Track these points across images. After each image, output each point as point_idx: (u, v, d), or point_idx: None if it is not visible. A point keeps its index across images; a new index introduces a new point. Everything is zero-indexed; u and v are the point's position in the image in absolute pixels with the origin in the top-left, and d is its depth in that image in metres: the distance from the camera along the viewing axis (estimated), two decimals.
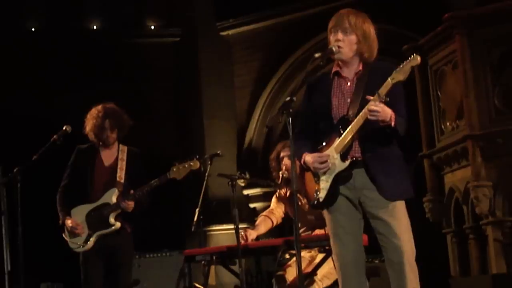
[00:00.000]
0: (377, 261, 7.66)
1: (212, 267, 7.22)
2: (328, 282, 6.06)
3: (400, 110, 4.41)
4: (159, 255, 9.45)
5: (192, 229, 7.05)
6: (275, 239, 6.40)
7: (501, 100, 8.14)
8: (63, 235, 6.22)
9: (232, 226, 6.29)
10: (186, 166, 6.14)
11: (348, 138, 4.40)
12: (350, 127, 4.38)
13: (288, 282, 6.20)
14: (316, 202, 4.55)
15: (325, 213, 4.60)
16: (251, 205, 12.33)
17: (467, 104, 8.21)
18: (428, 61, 8.92)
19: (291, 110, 4.40)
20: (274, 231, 7.15)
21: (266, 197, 11.75)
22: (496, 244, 8.09)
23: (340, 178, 4.45)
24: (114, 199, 6.13)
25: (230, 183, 6.37)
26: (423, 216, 8.97)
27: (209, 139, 12.43)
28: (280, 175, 6.44)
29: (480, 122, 8.15)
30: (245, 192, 12.19)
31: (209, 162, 7.04)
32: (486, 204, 8.08)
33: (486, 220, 8.21)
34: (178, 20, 12.95)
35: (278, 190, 6.67)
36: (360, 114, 4.33)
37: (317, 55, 4.51)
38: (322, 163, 4.45)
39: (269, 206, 6.82)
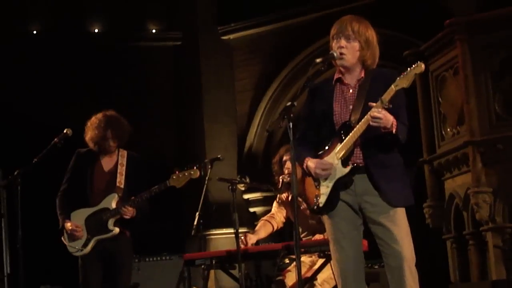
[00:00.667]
0: (376, 267, 7.64)
1: (212, 271, 7.23)
2: (328, 287, 6.06)
3: (402, 116, 4.42)
4: (158, 259, 9.44)
5: (192, 233, 7.05)
6: (275, 244, 6.39)
7: (501, 106, 8.14)
8: (62, 239, 6.21)
9: (232, 230, 6.29)
10: (186, 174, 6.14)
11: (350, 144, 4.40)
12: (352, 133, 4.39)
13: (287, 287, 6.20)
14: (316, 207, 4.55)
15: (325, 218, 4.60)
16: (251, 210, 12.32)
17: (467, 109, 8.21)
18: (429, 67, 8.92)
19: (291, 115, 4.40)
20: (274, 236, 7.14)
21: (266, 202, 11.74)
22: (496, 251, 8.09)
23: (341, 184, 4.46)
24: (113, 204, 6.12)
25: (230, 187, 6.38)
26: (423, 222, 8.97)
27: (209, 143, 12.42)
28: (280, 180, 6.45)
29: (480, 128, 8.15)
30: (245, 196, 12.18)
31: (209, 166, 7.04)
32: (486, 210, 8.08)
33: (486, 226, 8.21)
34: (179, 24, 12.95)
35: (278, 195, 6.67)
36: (363, 120, 4.34)
37: (318, 60, 4.51)
38: (324, 169, 4.46)
39: (269, 210, 6.83)
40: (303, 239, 6.33)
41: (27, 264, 5.91)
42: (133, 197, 6.07)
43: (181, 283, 7.71)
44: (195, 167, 6.17)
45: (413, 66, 4.27)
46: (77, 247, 6.12)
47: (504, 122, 8.14)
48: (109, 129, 6.20)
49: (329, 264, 5.86)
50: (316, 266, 6.12)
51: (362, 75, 4.55)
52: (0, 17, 12.05)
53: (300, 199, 6.00)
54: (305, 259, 6.20)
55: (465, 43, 8.24)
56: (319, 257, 6.09)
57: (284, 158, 6.48)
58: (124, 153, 6.33)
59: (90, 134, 6.23)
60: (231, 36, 12.75)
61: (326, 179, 4.48)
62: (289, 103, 4.44)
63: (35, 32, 12.60)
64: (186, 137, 12.55)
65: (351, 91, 4.55)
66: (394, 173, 4.45)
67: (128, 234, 6.23)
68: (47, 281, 10.14)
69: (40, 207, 7.29)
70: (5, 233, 6.05)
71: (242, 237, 6.30)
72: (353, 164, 4.43)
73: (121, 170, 6.24)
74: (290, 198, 6.46)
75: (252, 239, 6.38)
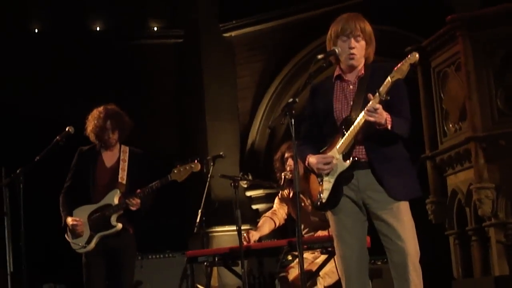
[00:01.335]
0: (379, 263, 7.65)
1: (215, 269, 7.23)
2: (330, 280, 6.06)
3: (403, 111, 4.42)
4: (161, 256, 9.45)
5: (195, 230, 7.05)
6: (277, 241, 6.40)
7: (504, 102, 8.13)
8: (66, 236, 6.22)
9: (234, 228, 6.29)
10: (187, 168, 6.15)
11: (350, 139, 4.40)
12: (352, 127, 4.39)
13: (290, 283, 6.20)
14: (319, 203, 4.55)
15: (329, 214, 4.60)
16: (254, 207, 12.32)
17: (470, 106, 8.20)
18: (431, 63, 8.92)
19: (293, 112, 4.41)
20: (277, 233, 7.15)
21: (268, 199, 11.74)
22: (499, 246, 8.08)
23: (343, 179, 4.46)
24: (116, 200, 6.14)
25: (232, 184, 6.38)
26: (425, 218, 8.96)
27: (211, 140, 12.42)
28: (283, 176, 6.45)
29: (483, 124, 8.14)
30: (248, 193, 12.18)
31: (211, 164, 7.05)
32: (489, 206, 8.07)
33: (488, 222, 8.20)
34: (181, 21, 12.95)
35: (280, 191, 6.67)
36: (361, 115, 4.34)
37: (320, 56, 4.52)
38: (325, 164, 4.46)
39: (271, 207, 6.83)
40: (305, 235, 6.33)
41: (30, 262, 5.91)
42: (139, 190, 6.08)
43: (184, 280, 7.73)
44: (196, 161, 6.18)
45: (408, 56, 4.28)
46: (80, 244, 6.14)
47: (506, 118, 8.13)
48: (108, 119, 6.22)
49: (332, 259, 5.87)
50: (319, 261, 6.12)
51: (363, 71, 4.55)
52: (2, 15, 12.06)
53: (302, 196, 6.01)
54: (308, 255, 6.20)
55: (467, 39, 8.23)
56: (322, 253, 6.10)
57: (286, 155, 6.48)
58: (126, 149, 6.35)
59: (90, 126, 6.26)
60: (233, 33, 12.74)
61: (328, 174, 4.48)
62: (291, 100, 4.45)
63: (36, 30, 12.61)
64: (188, 135, 12.55)
65: (351, 87, 4.55)
66: (398, 167, 4.45)
67: (131, 230, 6.24)
68: (50, 279, 10.16)
69: (42, 205, 7.30)
70: (8, 231, 6.04)
71: (245, 234, 6.30)
72: (354, 158, 4.42)
73: (123, 166, 6.25)
74: (292, 194, 6.46)
75: (254, 236, 6.38)
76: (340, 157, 4.44)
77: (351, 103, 4.49)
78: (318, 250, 6.13)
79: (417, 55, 4.28)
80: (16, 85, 11.79)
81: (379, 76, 4.38)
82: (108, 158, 6.32)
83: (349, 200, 4.50)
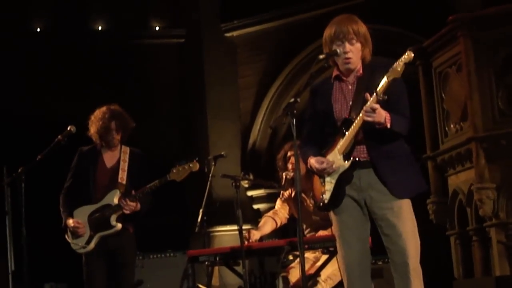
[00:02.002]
0: (380, 263, 7.66)
1: (216, 268, 7.23)
2: (332, 283, 6.06)
3: (402, 109, 4.42)
4: (162, 255, 9.46)
5: (196, 230, 7.06)
6: (279, 240, 6.40)
7: (505, 102, 8.14)
8: (66, 237, 6.23)
9: (235, 227, 6.30)
10: (186, 168, 6.14)
11: (350, 139, 4.41)
12: (351, 128, 4.39)
13: (291, 283, 6.21)
14: (321, 203, 4.56)
15: (331, 214, 4.61)
16: (255, 206, 12.33)
17: (471, 106, 8.21)
18: (432, 63, 8.92)
19: (295, 111, 4.41)
20: (278, 232, 7.15)
21: (269, 198, 11.75)
22: (500, 246, 8.09)
23: (344, 179, 4.46)
24: (115, 200, 6.14)
25: (234, 184, 6.38)
26: (426, 218, 8.97)
27: (213, 140, 12.43)
28: (284, 176, 6.45)
29: (484, 124, 8.14)
30: (249, 193, 12.19)
31: (213, 163, 7.05)
32: (490, 206, 8.08)
33: (489, 222, 8.21)
34: (183, 21, 12.96)
35: (282, 191, 6.67)
36: (360, 114, 4.34)
37: (321, 56, 4.52)
38: (321, 163, 4.46)
39: (273, 207, 6.84)
40: (307, 235, 6.34)
41: (32, 261, 5.92)
42: (133, 192, 6.08)
43: (185, 279, 7.73)
44: (194, 160, 6.17)
45: (403, 56, 4.27)
46: (80, 244, 6.14)
47: (507, 118, 8.14)
48: (113, 120, 6.23)
49: (332, 260, 5.88)
50: (320, 263, 6.12)
51: (361, 71, 4.55)
52: (3, 15, 12.06)
53: (304, 195, 6.01)
54: (309, 255, 6.21)
55: (468, 39, 8.23)
56: (323, 253, 6.10)
57: (289, 153, 6.49)
58: (126, 149, 6.35)
59: (94, 126, 6.26)
60: (235, 33, 12.75)
61: (329, 175, 4.48)
62: (292, 100, 4.45)
63: (38, 30, 12.62)
64: (190, 134, 12.56)
65: (350, 87, 4.55)
66: (400, 164, 4.45)
67: (131, 230, 6.24)
68: (52, 278, 10.17)
69: (44, 205, 7.30)
70: (9, 230, 6.04)
71: (246, 234, 6.31)
72: (354, 158, 4.43)
73: (123, 167, 6.25)
74: (293, 194, 6.46)
75: (255, 235, 6.39)
76: (341, 157, 4.45)
77: (351, 103, 4.49)
78: (319, 250, 6.13)
79: (412, 54, 4.27)
80: (18, 85, 11.80)
81: (378, 74, 4.37)
82: (109, 158, 6.32)
83: (351, 199, 4.50)
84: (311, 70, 4.56)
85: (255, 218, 12.05)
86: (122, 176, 6.22)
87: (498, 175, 8.11)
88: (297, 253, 5.77)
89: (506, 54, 8.17)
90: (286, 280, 6.22)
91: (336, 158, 4.46)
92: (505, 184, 8.10)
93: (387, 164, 4.42)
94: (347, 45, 4.49)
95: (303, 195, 5.92)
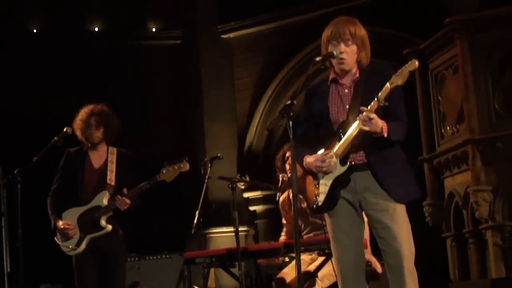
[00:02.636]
0: None
1: (212, 270, 7.24)
2: (328, 283, 6.06)
3: (400, 113, 4.43)
4: (159, 257, 9.44)
5: (192, 232, 7.06)
6: (274, 242, 6.40)
7: (501, 104, 8.15)
8: (55, 239, 6.20)
9: (232, 229, 6.30)
10: (176, 168, 6.10)
11: (348, 143, 4.40)
12: (349, 132, 4.39)
13: (287, 284, 6.20)
14: (315, 206, 4.55)
15: (326, 216, 4.61)
16: (251, 208, 12.32)
17: (467, 108, 8.22)
18: (429, 66, 8.94)
19: (291, 113, 4.41)
20: (274, 233, 7.15)
21: (266, 200, 11.75)
22: (496, 249, 8.10)
23: (339, 183, 4.45)
24: (105, 202, 6.09)
25: (230, 185, 6.38)
26: (423, 220, 8.98)
27: (209, 141, 12.43)
28: (280, 178, 6.45)
29: (480, 127, 8.16)
30: (245, 195, 12.19)
31: (209, 165, 7.05)
32: (486, 209, 8.09)
33: (485, 225, 8.22)
34: (179, 23, 12.95)
35: (280, 203, 6.63)
36: (355, 123, 4.34)
37: (318, 58, 4.52)
38: (324, 161, 4.45)
39: (269, 209, 6.85)
40: (304, 236, 6.33)
41: (27, 262, 5.91)
42: (125, 190, 6.03)
43: (181, 281, 7.72)
44: (184, 160, 6.13)
45: (408, 63, 4.29)
46: (70, 246, 6.10)
47: (503, 120, 8.15)
48: (92, 116, 6.18)
49: (329, 261, 5.87)
50: (317, 262, 6.12)
51: (357, 75, 4.56)
52: (0, 15, 12.05)
53: (301, 196, 6.01)
54: (305, 257, 6.20)
55: (464, 42, 8.25)
56: (319, 255, 6.10)
57: (287, 154, 6.48)
58: (113, 150, 6.30)
59: (76, 123, 6.23)
60: (231, 35, 12.76)
61: (324, 177, 4.48)
62: (289, 102, 4.44)
63: (34, 30, 12.61)
64: (186, 136, 12.55)
65: (346, 90, 4.55)
66: (395, 168, 4.45)
67: (121, 232, 6.21)
68: (47, 279, 10.15)
69: (40, 206, 7.29)
70: (5, 231, 6.04)
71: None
72: (351, 162, 4.43)
73: (111, 167, 6.21)
74: (291, 196, 6.45)
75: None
76: (337, 161, 4.45)
77: (347, 107, 4.49)
78: (315, 252, 6.13)
79: (416, 63, 4.30)
80: (15, 85, 11.78)
81: (375, 80, 4.38)
82: (96, 159, 6.27)
83: (346, 202, 4.50)
84: (307, 72, 4.56)
85: (251, 219, 12.06)
86: (111, 177, 6.17)
87: (494, 178, 8.13)
88: (293, 254, 5.78)
89: (502, 56, 8.20)
90: (281, 282, 6.21)
91: (333, 157, 4.46)
92: (501, 187, 8.11)
93: (385, 167, 4.42)
94: (342, 46, 4.49)
95: (300, 196, 5.91)
